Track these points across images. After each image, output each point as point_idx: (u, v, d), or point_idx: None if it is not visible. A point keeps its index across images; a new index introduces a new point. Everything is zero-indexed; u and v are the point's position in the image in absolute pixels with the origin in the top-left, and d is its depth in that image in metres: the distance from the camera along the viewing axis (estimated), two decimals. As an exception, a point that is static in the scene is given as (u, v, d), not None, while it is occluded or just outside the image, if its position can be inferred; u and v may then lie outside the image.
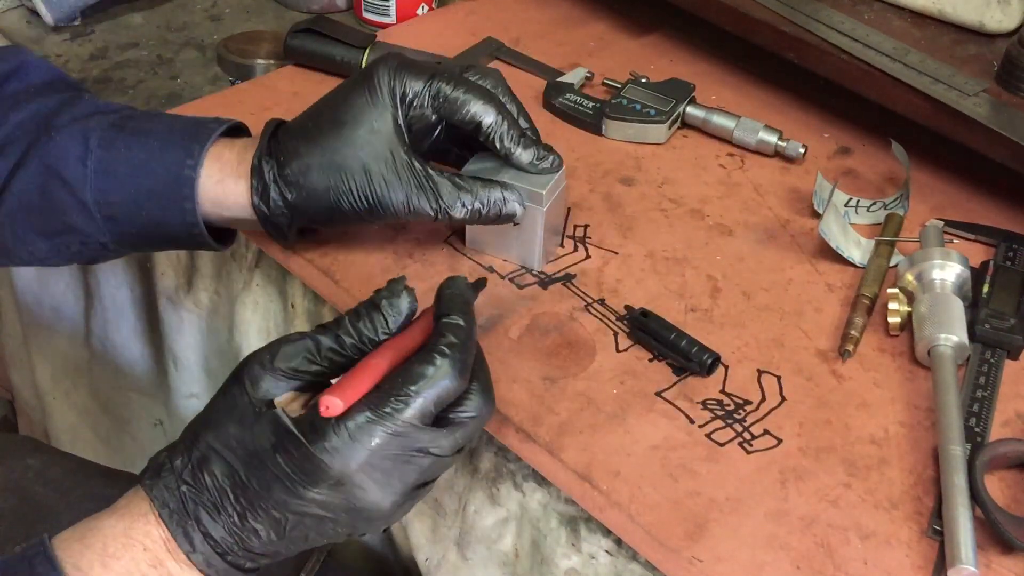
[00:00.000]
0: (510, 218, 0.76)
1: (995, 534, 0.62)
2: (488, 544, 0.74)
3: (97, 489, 0.85)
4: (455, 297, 0.64)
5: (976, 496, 0.63)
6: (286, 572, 0.81)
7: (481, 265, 0.81)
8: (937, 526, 0.63)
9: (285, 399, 0.61)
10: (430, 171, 0.73)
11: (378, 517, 0.60)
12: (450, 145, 0.81)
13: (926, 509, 0.65)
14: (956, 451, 0.65)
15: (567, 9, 1.15)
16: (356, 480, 0.58)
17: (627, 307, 0.78)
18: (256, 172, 0.74)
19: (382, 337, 0.62)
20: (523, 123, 0.78)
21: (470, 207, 0.74)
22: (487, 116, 0.75)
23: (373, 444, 0.58)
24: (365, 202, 0.73)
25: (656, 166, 0.92)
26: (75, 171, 0.74)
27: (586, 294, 0.79)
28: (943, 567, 0.61)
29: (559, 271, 0.81)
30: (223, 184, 0.75)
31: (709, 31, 1.00)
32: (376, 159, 0.73)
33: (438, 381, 0.59)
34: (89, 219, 0.75)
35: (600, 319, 0.77)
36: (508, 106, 0.77)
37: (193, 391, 1.02)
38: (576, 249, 0.83)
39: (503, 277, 0.80)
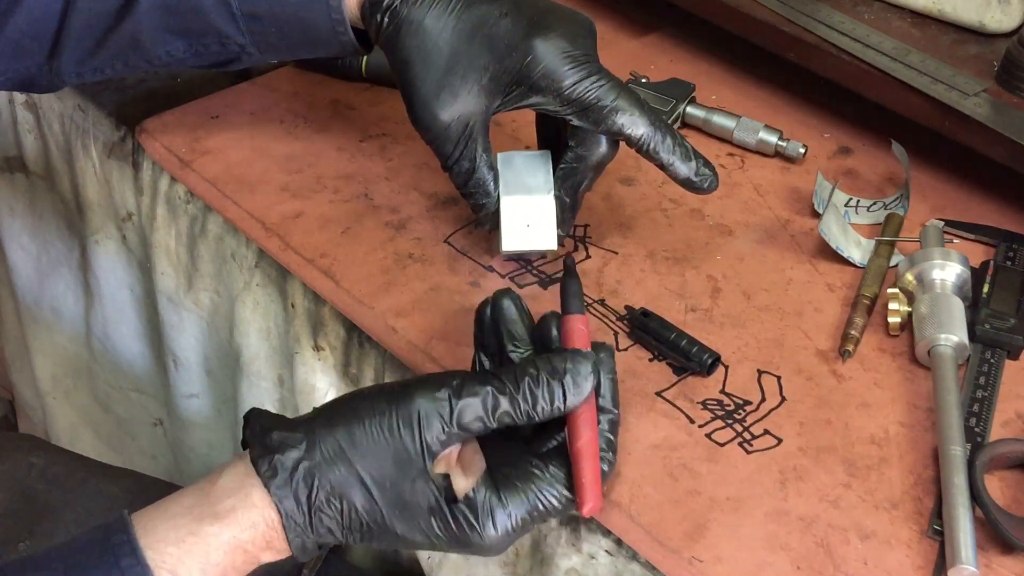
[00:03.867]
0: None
1: (995, 534, 0.62)
2: (488, 544, 0.74)
3: (100, 487, 0.85)
4: (613, 385, 0.63)
5: (976, 496, 0.63)
6: (288, 568, 0.81)
7: (481, 265, 0.81)
8: (937, 526, 0.63)
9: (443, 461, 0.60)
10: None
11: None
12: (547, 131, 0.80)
13: (926, 509, 0.65)
14: (956, 451, 0.65)
15: (567, 9, 1.14)
16: (495, 552, 0.59)
17: (627, 307, 0.78)
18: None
19: (555, 414, 0.59)
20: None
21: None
22: (638, 128, 0.72)
23: (524, 533, 0.60)
24: None
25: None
26: None
27: (586, 294, 0.79)
28: (943, 567, 0.61)
29: (559, 271, 0.81)
30: None
31: (709, 31, 1.00)
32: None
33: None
34: (229, 18, 0.74)
35: (600, 319, 0.77)
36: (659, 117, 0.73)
37: (193, 391, 1.02)
38: (576, 249, 0.83)
39: (503, 276, 0.80)
